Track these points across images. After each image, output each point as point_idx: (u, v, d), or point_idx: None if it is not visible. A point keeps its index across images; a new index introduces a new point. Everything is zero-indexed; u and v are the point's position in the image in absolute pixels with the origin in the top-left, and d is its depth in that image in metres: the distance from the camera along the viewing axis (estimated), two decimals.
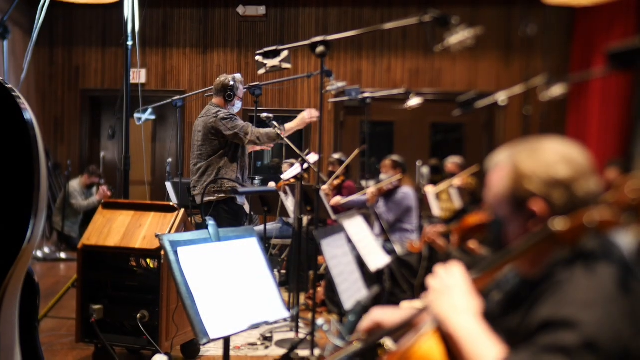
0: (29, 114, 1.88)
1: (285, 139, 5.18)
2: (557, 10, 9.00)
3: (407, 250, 5.67)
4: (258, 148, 5.53)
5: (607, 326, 1.40)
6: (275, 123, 5.10)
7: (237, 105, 5.42)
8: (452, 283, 1.61)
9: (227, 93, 5.31)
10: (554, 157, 1.60)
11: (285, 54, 4.50)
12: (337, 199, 6.79)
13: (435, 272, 1.67)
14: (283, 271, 7.04)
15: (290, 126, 5.29)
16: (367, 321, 1.93)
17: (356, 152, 6.81)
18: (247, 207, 5.73)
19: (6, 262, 1.85)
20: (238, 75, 5.48)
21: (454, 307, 1.56)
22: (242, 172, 5.31)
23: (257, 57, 4.61)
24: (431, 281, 1.66)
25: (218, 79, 5.43)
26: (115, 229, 4.13)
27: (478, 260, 2.95)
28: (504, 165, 1.68)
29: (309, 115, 5.30)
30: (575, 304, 1.43)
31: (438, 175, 8.11)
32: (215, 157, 5.21)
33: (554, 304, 1.47)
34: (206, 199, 5.17)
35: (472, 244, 3.08)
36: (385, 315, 1.92)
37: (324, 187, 6.66)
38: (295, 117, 5.35)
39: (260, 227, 6.44)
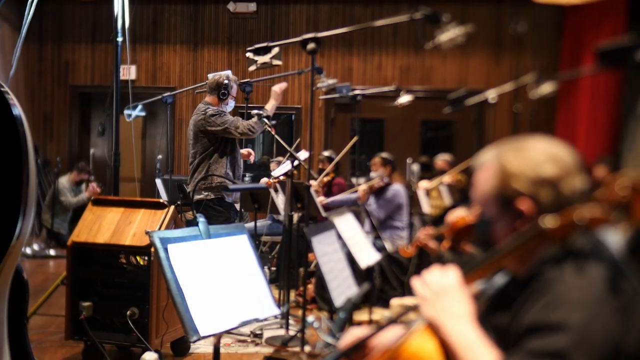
0: (17, 110, 1.87)
1: (276, 136, 5.18)
2: (547, 8, 9.03)
3: (397, 249, 5.69)
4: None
5: (597, 326, 1.41)
6: (265, 120, 5.11)
7: (231, 104, 5.38)
8: (447, 286, 1.60)
9: (221, 91, 5.26)
10: (540, 156, 1.60)
11: (276, 50, 4.49)
12: (321, 199, 6.78)
13: (429, 273, 1.66)
14: (273, 268, 7.04)
15: (270, 106, 5.32)
16: (348, 339, 1.86)
17: (349, 144, 6.79)
18: (237, 206, 5.72)
19: None
20: (230, 73, 5.45)
21: (449, 312, 1.55)
22: (233, 168, 5.27)
23: (248, 54, 4.60)
24: (425, 283, 1.64)
25: (212, 77, 5.36)
26: (104, 225, 4.12)
27: (469, 259, 2.96)
28: (491, 164, 1.67)
29: (279, 88, 5.36)
30: (565, 305, 1.44)
31: (428, 172, 8.12)
32: (206, 154, 5.18)
33: (544, 306, 1.47)
34: (197, 197, 5.16)
35: (464, 245, 3.08)
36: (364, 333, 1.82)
37: (314, 184, 6.66)
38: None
39: (250, 224, 6.44)
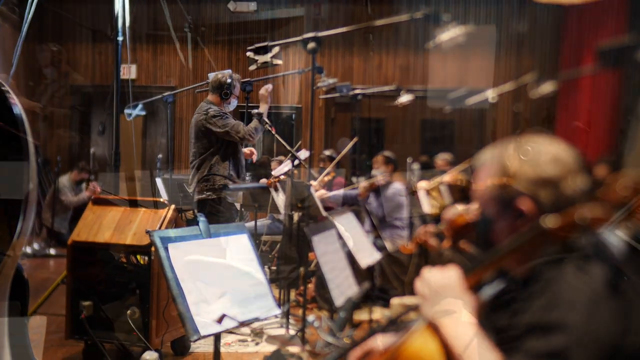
0: (18, 109, 1.87)
1: (277, 136, 5.17)
2: (547, 8, 9.03)
3: (397, 248, 5.68)
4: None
5: (596, 326, 1.40)
6: (266, 120, 5.10)
7: (233, 104, 5.34)
8: (448, 285, 1.59)
9: (223, 91, 5.22)
10: (541, 155, 1.60)
11: (276, 50, 4.49)
12: (321, 192, 6.76)
13: (430, 272, 1.65)
14: (273, 268, 7.03)
15: (263, 109, 5.28)
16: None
17: (352, 142, 6.78)
18: (238, 205, 5.71)
19: None
20: (229, 71, 5.44)
21: (449, 313, 1.55)
22: (236, 170, 5.24)
23: (248, 53, 4.60)
24: (426, 282, 1.63)
25: (214, 76, 5.32)
26: (105, 225, 4.12)
27: (469, 259, 2.95)
28: (491, 164, 1.67)
29: (265, 90, 5.34)
30: (564, 305, 1.43)
31: (428, 171, 8.11)
32: (207, 154, 5.15)
33: (543, 306, 1.46)
34: (198, 197, 5.15)
35: (464, 244, 3.07)
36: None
37: (314, 183, 6.66)
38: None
39: (251, 224, 6.43)
